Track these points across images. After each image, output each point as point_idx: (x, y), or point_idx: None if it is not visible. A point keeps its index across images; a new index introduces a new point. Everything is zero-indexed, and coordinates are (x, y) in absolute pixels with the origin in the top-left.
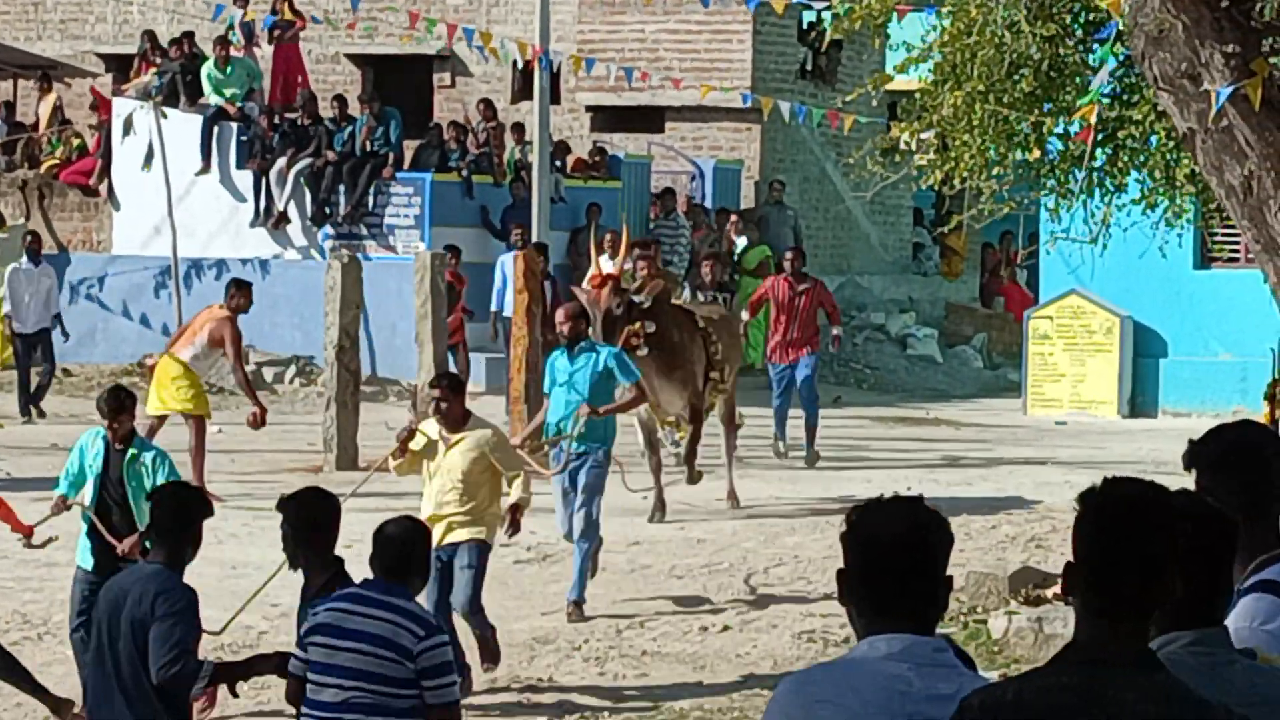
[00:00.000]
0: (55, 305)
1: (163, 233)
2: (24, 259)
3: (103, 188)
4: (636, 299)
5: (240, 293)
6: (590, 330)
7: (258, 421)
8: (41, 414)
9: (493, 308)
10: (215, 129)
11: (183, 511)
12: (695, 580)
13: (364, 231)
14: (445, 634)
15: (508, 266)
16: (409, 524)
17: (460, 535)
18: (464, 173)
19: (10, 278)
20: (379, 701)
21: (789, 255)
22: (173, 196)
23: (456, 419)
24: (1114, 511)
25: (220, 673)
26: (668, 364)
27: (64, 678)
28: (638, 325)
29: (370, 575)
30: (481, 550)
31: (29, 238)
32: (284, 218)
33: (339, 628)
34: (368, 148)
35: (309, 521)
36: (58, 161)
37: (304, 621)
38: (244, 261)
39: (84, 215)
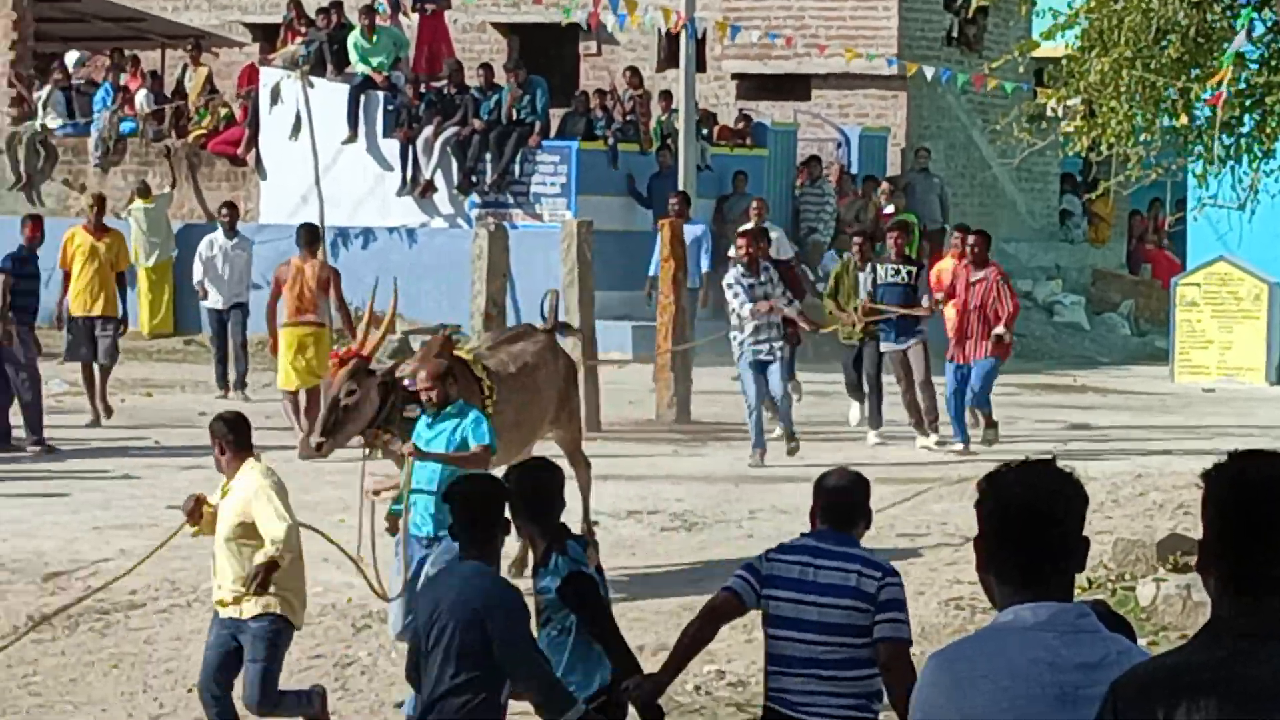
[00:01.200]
0: (249, 279)
1: (310, 202)
2: (218, 231)
3: (250, 157)
4: (404, 381)
5: (316, 238)
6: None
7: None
8: (245, 396)
9: (650, 273)
10: (362, 98)
11: (491, 503)
12: None
13: (510, 200)
14: (898, 574)
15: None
16: (854, 474)
17: (248, 608)
18: (610, 141)
19: (203, 250)
20: (848, 656)
21: (970, 240)
22: (319, 165)
23: (227, 464)
24: (1255, 488)
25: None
26: None
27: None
28: (386, 435)
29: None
30: (270, 631)
31: (224, 210)
32: (430, 186)
33: (803, 581)
34: (514, 116)
35: (535, 490)
36: (205, 131)
37: (540, 592)
38: (390, 230)
39: (231, 185)
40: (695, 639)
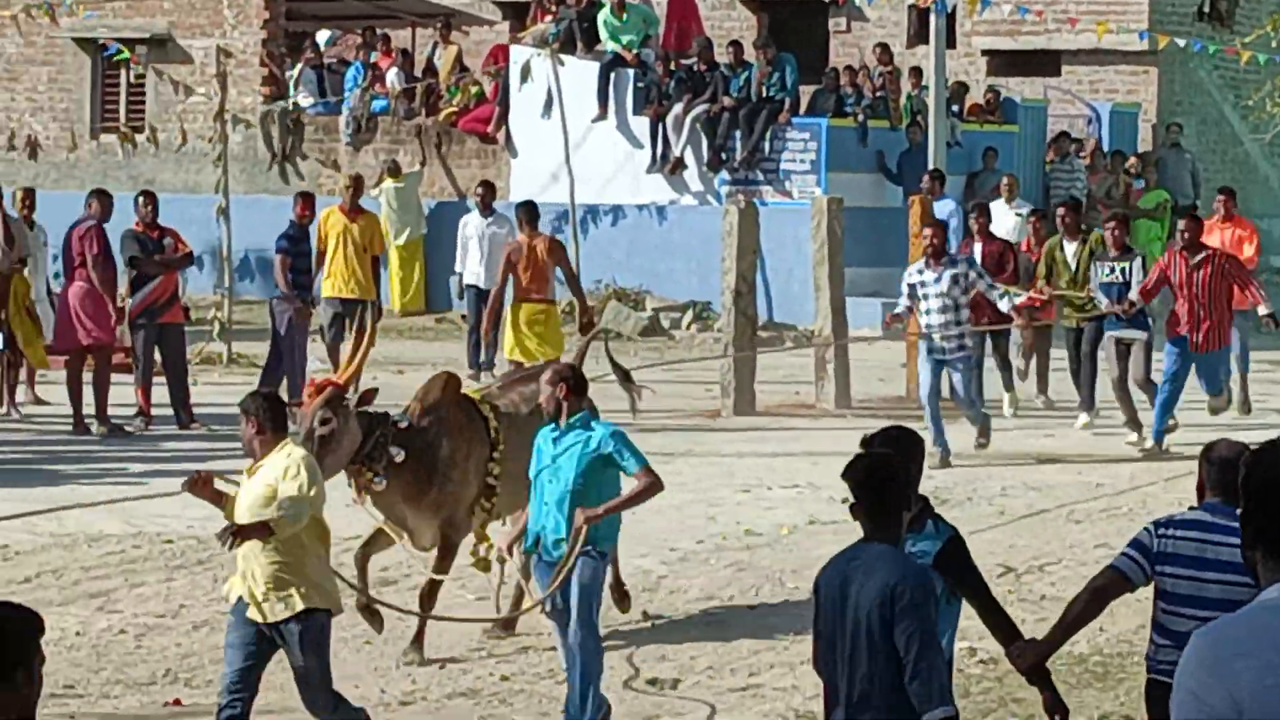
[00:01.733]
0: None
1: (560, 179)
2: (475, 211)
3: (500, 135)
4: (395, 420)
5: (537, 215)
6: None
7: (591, 322)
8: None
9: None
10: (612, 75)
11: (892, 483)
12: (1093, 525)
13: (760, 177)
14: None
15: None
16: (1242, 445)
17: (278, 609)
18: (860, 118)
19: (461, 229)
20: None
21: (1181, 224)
22: (570, 143)
23: (260, 444)
24: None
25: None
26: (414, 491)
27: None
28: (368, 475)
29: None
30: (315, 630)
31: (480, 189)
32: (680, 164)
33: (1201, 559)
34: (763, 93)
35: (901, 455)
36: (456, 109)
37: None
38: (640, 208)
39: (482, 162)
40: (1080, 617)
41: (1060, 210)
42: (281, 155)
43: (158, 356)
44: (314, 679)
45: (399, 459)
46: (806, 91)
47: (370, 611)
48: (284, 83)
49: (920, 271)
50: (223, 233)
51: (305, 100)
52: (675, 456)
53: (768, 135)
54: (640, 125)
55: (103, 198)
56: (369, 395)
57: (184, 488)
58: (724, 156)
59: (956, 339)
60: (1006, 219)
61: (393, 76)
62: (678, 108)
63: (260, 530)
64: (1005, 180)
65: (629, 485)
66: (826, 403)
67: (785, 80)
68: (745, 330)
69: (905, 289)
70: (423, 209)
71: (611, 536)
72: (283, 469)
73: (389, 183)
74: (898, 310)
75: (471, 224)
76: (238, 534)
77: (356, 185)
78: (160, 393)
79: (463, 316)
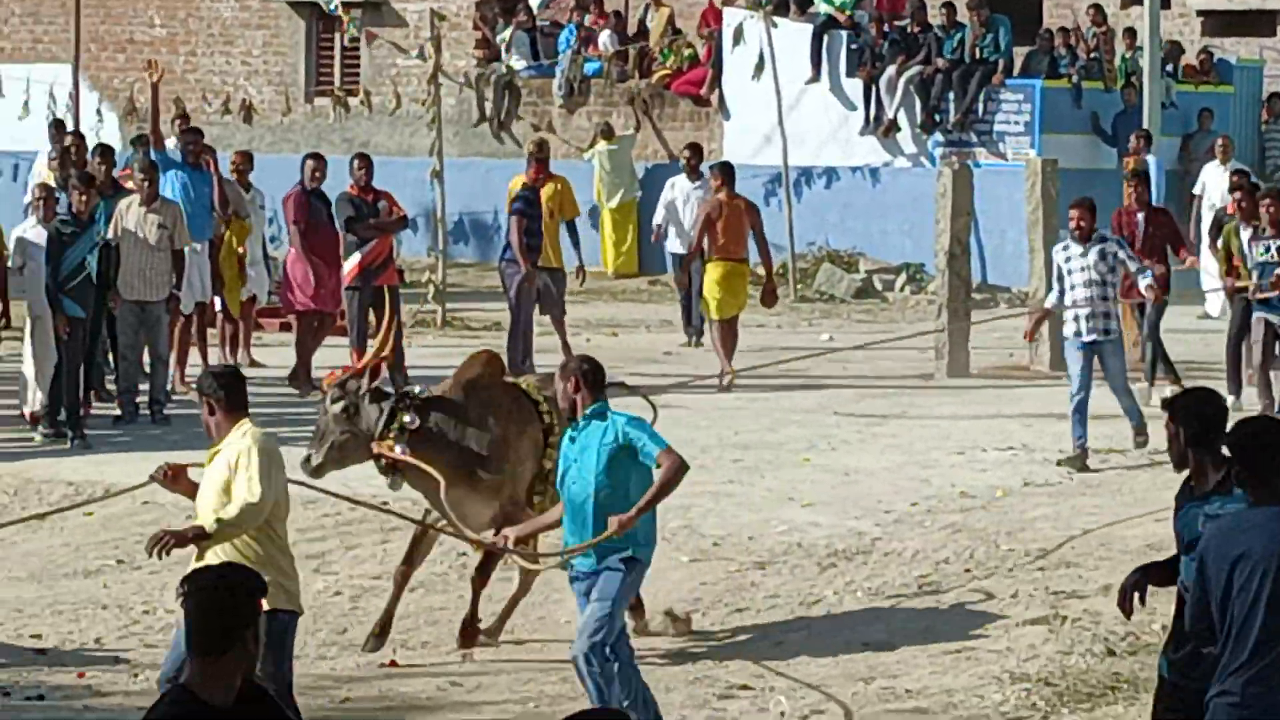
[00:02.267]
0: None
1: (773, 141)
2: (681, 175)
3: (713, 98)
4: (407, 391)
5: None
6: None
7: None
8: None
9: None
10: (825, 37)
11: (1271, 444)
12: None
13: (973, 139)
14: None
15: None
16: None
17: None
18: (1074, 79)
19: (667, 190)
20: None
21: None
22: (783, 105)
23: (216, 425)
24: None
25: None
26: (466, 471)
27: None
28: (388, 441)
29: None
30: (275, 632)
31: (687, 152)
32: (893, 125)
33: None
34: (977, 55)
35: (1205, 420)
36: (669, 72)
37: (1188, 523)
38: (853, 170)
39: (695, 125)
40: None
41: (1235, 194)
42: (497, 120)
43: (372, 319)
44: (269, 682)
45: (414, 425)
46: (1020, 53)
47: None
48: (497, 46)
49: (1066, 248)
50: (436, 196)
51: (518, 63)
52: (889, 419)
53: (981, 97)
54: (853, 87)
55: (318, 161)
56: (497, 363)
57: (151, 479)
58: (937, 118)
59: (1103, 320)
60: (1222, 181)
61: (605, 39)
62: (891, 69)
63: (196, 537)
64: (1220, 141)
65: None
66: (1041, 365)
67: (999, 41)
68: (959, 292)
69: (1058, 272)
70: (635, 172)
71: (648, 542)
72: (235, 455)
73: (602, 145)
74: (1048, 305)
75: (678, 186)
76: (167, 542)
77: (539, 149)
78: None
79: (675, 281)
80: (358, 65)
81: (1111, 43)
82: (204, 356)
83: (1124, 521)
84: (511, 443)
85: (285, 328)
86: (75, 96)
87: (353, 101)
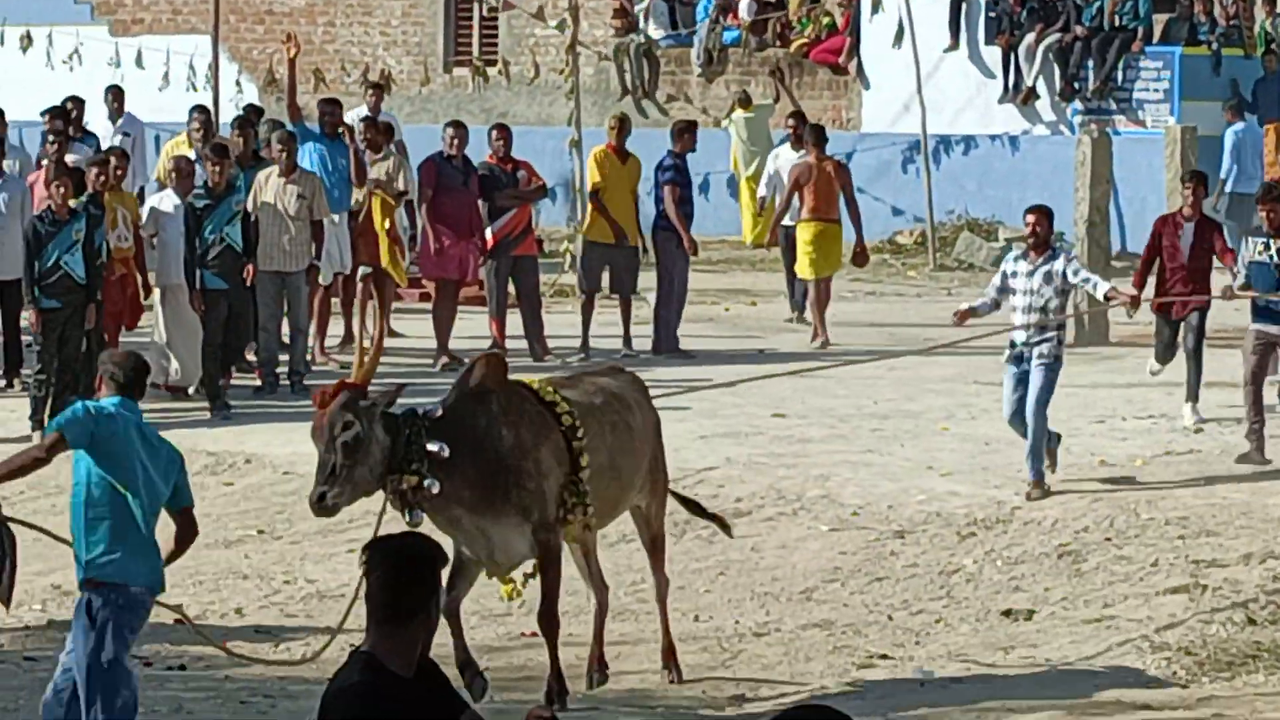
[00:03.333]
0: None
1: (911, 110)
2: (785, 145)
3: (851, 66)
4: (425, 410)
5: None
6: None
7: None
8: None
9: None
10: (964, 5)
11: None
12: None
13: (1113, 106)
14: None
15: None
16: None
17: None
18: (1213, 46)
19: (772, 161)
20: None
21: None
22: (921, 73)
23: None
24: None
25: None
26: (484, 494)
27: (842, 553)
28: (413, 478)
29: None
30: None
31: (793, 121)
32: (1032, 93)
33: None
34: (1116, 22)
35: None
36: (807, 41)
37: None
38: (992, 138)
39: (833, 93)
40: None
41: (1261, 207)
42: (638, 89)
43: (512, 289)
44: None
45: (444, 454)
46: (1159, 20)
47: (472, 670)
48: (634, 15)
49: (1015, 260)
50: (575, 165)
51: (656, 32)
52: None
53: (1120, 64)
54: (992, 55)
55: (457, 128)
56: (395, 394)
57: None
58: (1076, 86)
59: (1038, 340)
60: None
61: (744, 7)
62: (1029, 37)
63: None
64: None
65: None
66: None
67: (1138, 8)
68: (1099, 260)
69: (996, 279)
70: (772, 140)
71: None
72: None
73: (739, 113)
74: (975, 304)
75: (783, 156)
76: None
77: (622, 126)
78: (515, 325)
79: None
80: (496, 35)
81: (1251, 9)
82: (348, 327)
83: (1266, 489)
84: (532, 452)
85: (425, 297)
86: (215, 68)
87: (491, 71)
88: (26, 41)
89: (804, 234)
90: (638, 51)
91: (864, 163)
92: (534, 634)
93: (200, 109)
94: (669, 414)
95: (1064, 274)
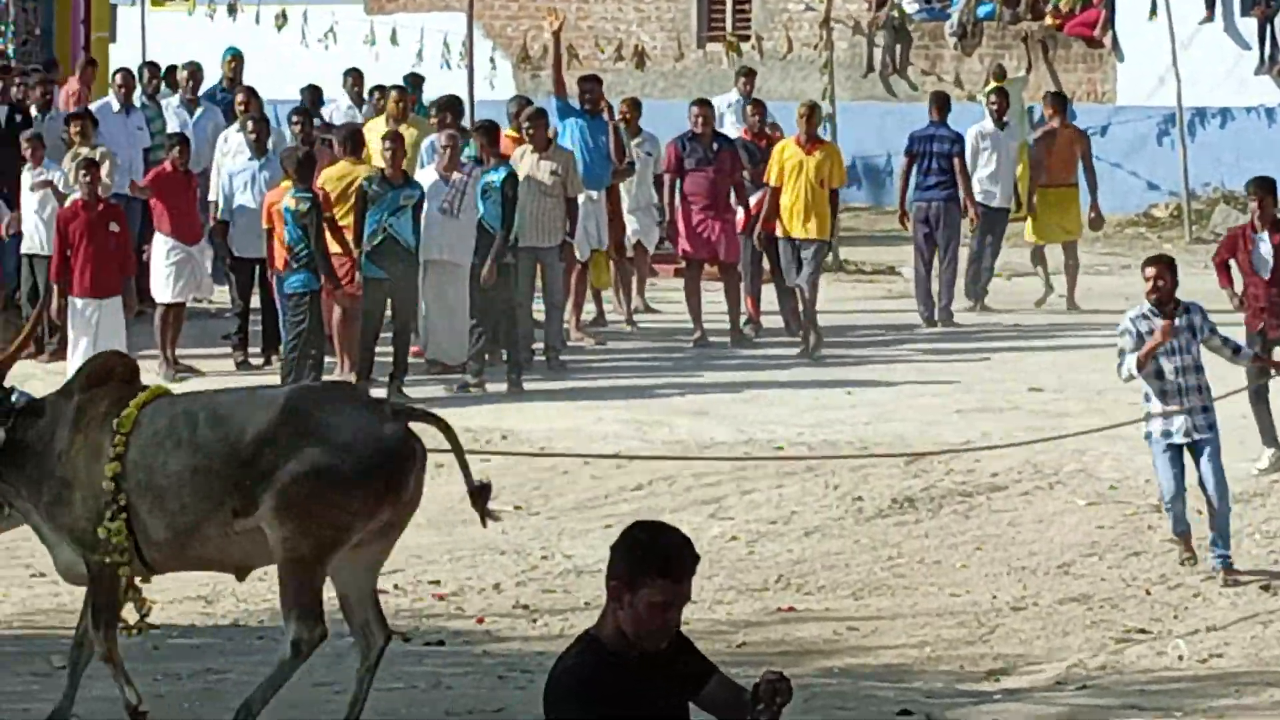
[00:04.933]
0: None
1: (1166, 83)
2: (986, 119)
3: (1106, 39)
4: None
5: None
6: None
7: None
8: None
9: None
10: None
11: None
12: None
13: None
14: None
15: None
16: None
17: None
18: None
19: (969, 140)
20: None
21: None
22: (1176, 46)
23: None
24: None
25: None
26: (33, 497)
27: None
28: None
29: None
30: None
31: (994, 98)
32: None
33: None
34: None
35: None
36: (1062, 13)
37: None
38: (1248, 110)
39: (1088, 66)
40: None
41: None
42: (894, 64)
43: (767, 265)
44: None
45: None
46: None
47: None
48: None
49: (1141, 319)
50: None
51: (910, 6)
52: None
53: None
54: (1248, 27)
55: (701, 106)
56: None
57: None
58: None
59: (1202, 415)
60: None
61: None
62: None
63: None
64: None
65: None
66: None
67: None
68: None
69: (1127, 337)
70: (1025, 113)
71: None
72: None
73: (994, 86)
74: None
75: (980, 131)
76: None
77: (811, 114)
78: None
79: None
80: (749, 10)
81: None
82: (626, 299)
83: None
84: (69, 454)
85: (679, 273)
86: (469, 45)
87: (744, 47)
88: (282, 20)
89: (1044, 200)
90: (890, 25)
91: (1119, 136)
92: (790, 609)
93: (398, 87)
94: (915, 388)
95: (1204, 329)
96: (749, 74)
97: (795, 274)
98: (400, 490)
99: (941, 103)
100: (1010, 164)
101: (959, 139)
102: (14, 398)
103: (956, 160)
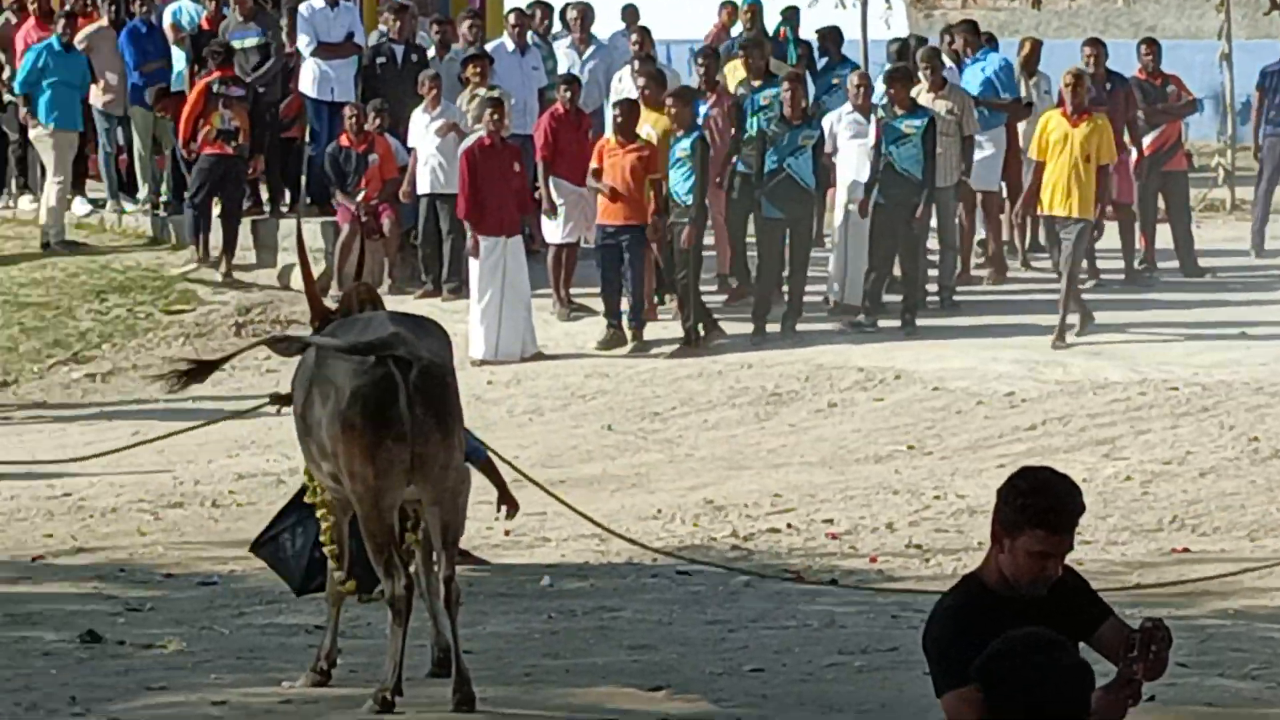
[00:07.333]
0: None
1: None
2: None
3: None
4: None
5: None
6: None
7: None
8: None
9: None
10: None
11: None
12: None
13: None
14: None
15: None
16: None
17: None
18: None
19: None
20: None
21: None
22: None
23: None
24: None
25: None
26: None
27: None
28: None
29: None
30: None
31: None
32: None
33: None
34: None
35: None
36: None
37: None
38: None
39: None
40: None
41: None
42: None
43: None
44: None
45: None
46: None
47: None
48: None
49: None
50: (1225, 78)
51: None
52: None
53: None
54: None
55: (1095, 46)
56: None
57: None
58: None
59: None
60: None
61: None
62: None
63: None
64: None
65: None
66: None
67: None
68: None
69: None
70: None
71: None
72: None
73: None
74: None
75: None
76: None
77: (1077, 83)
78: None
79: None
80: None
81: None
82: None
83: None
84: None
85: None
86: None
87: None
88: None
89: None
90: None
91: None
92: (1184, 550)
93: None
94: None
95: None
96: None
97: (1057, 254)
98: (388, 426)
99: None
100: None
101: None
102: None
103: None
